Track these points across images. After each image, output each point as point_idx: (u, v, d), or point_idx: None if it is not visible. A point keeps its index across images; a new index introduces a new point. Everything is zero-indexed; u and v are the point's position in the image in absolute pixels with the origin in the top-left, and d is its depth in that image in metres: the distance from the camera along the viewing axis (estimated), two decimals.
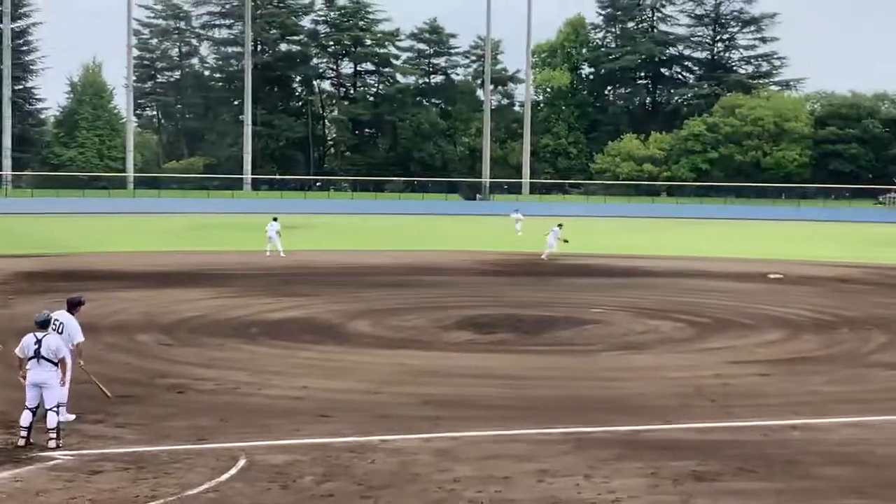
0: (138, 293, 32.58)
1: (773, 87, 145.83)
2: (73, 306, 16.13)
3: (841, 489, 12.82)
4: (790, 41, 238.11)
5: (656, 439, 15.16)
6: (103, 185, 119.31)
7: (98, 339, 22.64)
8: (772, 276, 41.75)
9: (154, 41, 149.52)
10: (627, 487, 12.64)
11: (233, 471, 13.15)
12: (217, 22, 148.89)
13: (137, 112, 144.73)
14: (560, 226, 52.02)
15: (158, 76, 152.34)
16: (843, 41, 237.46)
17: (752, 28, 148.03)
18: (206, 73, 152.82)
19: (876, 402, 17.83)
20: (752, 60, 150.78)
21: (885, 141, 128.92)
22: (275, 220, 49.82)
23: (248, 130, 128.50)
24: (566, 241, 50.22)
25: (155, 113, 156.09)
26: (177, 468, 13.26)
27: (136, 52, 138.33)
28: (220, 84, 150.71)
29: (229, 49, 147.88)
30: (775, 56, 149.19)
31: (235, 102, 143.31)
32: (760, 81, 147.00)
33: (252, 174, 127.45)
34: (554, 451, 14.31)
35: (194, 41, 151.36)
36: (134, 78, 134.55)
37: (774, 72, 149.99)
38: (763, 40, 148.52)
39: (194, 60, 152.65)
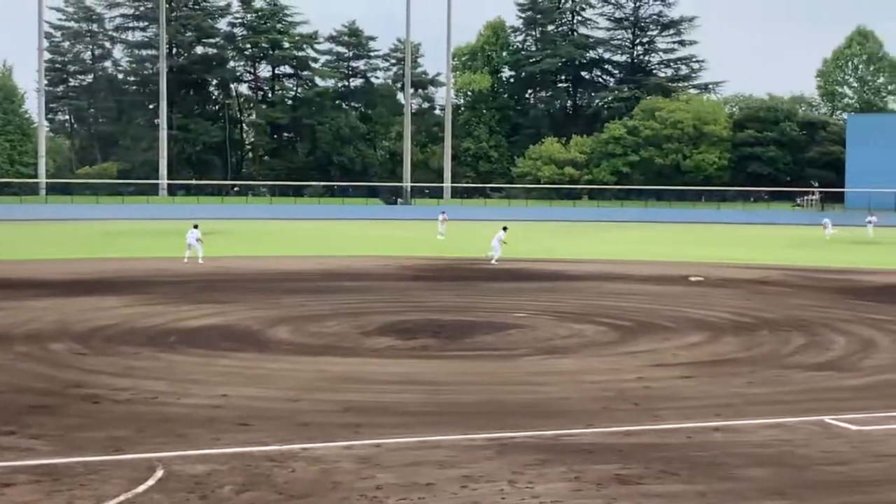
0: (51, 301, 31.94)
1: (693, 91, 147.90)
2: None
3: (762, 490, 12.83)
4: (709, 45, 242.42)
5: (580, 443, 15.09)
6: (14, 192, 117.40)
7: (10, 348, 22.05)
8: (692, 278, 42.11)
9: (66, 44, 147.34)
10: (551, 492, 12.53)
11: (150, 482, 12.82)
12: (131, 24, 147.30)
13: (49, 117, 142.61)
14: (505, 229, 52.14)
15: (71, 80, 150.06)
16: (760, 44, 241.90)
17: (671, 31, 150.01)
18: (120, 76, 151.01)
19: (795, 403, 17.94)
20: (671, 64, 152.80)
21: (802, 143, 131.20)
22: (195, 227, 49.27)
23: (163, 135, 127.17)
24: (505, 242, 50.49)
25: (67, 117, 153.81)
26: (92, 480, 12.90)
27: (47, 56, 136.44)
28: (135, 88, 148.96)
29: (144, 52, 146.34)
30: (694, 59, 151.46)
31: (150, 106, 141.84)
32: (680, 84, 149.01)
33: (168, 179, 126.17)
34: (477, 457, 14.17)
35: (107, 44, 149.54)
36: (45, 82, 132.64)
37: (693, 75, 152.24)
38: (682, 44, 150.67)
39: (108, 64, 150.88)
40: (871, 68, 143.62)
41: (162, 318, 28.34)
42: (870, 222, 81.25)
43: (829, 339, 25.62)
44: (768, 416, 16.84)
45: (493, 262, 49.62)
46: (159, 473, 13.20)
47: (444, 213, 76.17)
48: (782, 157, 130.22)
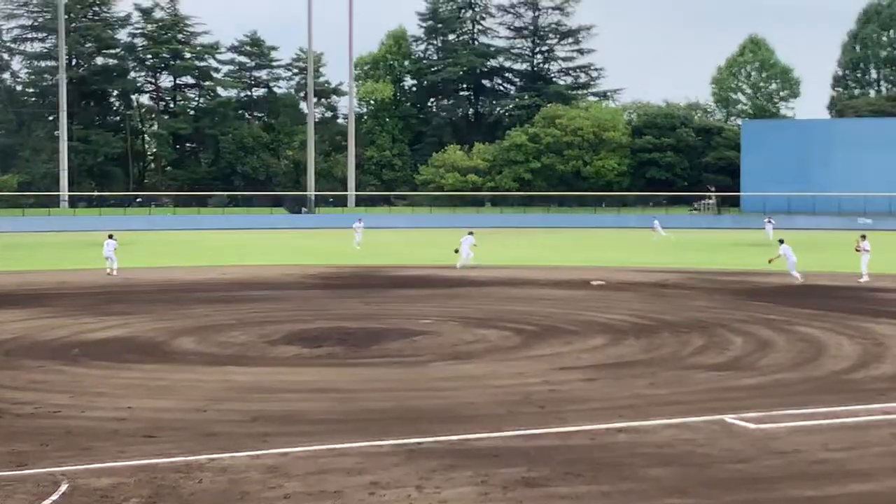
0: None
1: (592, 98, 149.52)
2: None
3: (665, 489, 13.12)
4: (607, 53, 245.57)
5: (486, 447, 15.26)
6: None
7: None
8: (594, 282, 42.63)
9: None
10: (458, 496, 12.69)
11: (55, 496, 12.71)
12: (29, 35, 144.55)
13: None
14: (471, 233, 52.47)
15: None
16: (656, 52, 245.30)
17: (570, 40, 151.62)
18: (19, 87, 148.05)
19: (696, 403, 18.31)
20: (570, 72, 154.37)
21: (699, 149, 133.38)
22: (111, 237, 48.67)
23: (63, 146, 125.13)
24: (475, 245, 50.97)
25: None
26: None
27: None
28: (34, 99, 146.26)
29: (43, 63, 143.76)
30: (593, 67, 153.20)
31: (50, 118, 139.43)
32: (579, 92, 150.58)
33: (69, 191, 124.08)
34: (385, 464, 14.27)
35: (5, 55, 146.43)
36: None
37: (592, 83, 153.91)
38: (580, 52, 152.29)
39: (6, 75, 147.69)
40: (764, 75, 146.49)
41: (64, 331, 27.96)
42: (769, 223, 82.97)
43: (728, 339, 26.15)
44: (670, 417, 17.17)
45: (460, 266, 50.08)
46: (63, 487, 13.09)
47: (360, 220, 75.40)
48: (680, 162, 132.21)
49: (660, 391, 19.60)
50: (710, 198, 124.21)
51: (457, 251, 51.13)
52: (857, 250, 44.38)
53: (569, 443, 15.52)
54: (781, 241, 45.36)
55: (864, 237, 44.93)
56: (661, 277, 45.72)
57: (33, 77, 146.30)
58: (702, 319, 30.18)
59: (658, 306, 33.94)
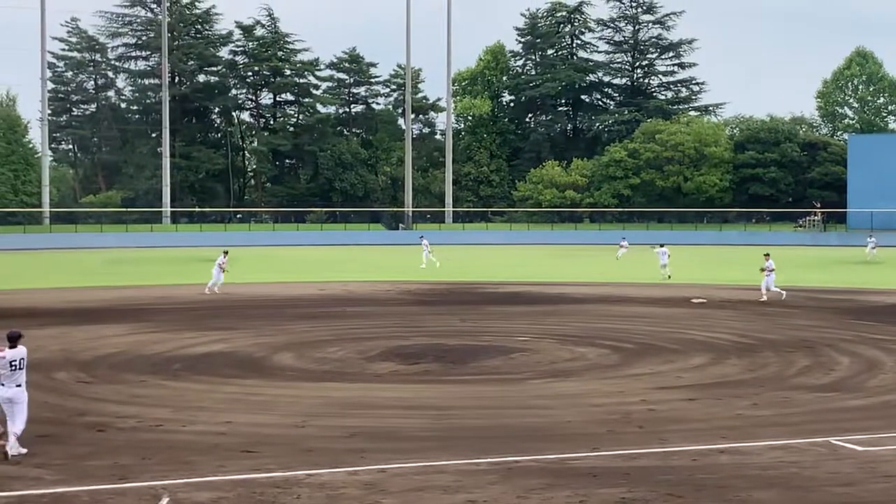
0: (56, 330, 31.92)
1: (693, 113, 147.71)
2: (13, 340, 16.56)
3: None
4: (708, 66, 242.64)
5: (584, 467, 15.07)
6: (18, 221, 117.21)
7: None
8: (695, 300, 42.09)
9: (69, 74, 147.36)
10: None
11: None
12: (133, 54, 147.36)
13: (53, 146, 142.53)
14: (661, 245, 55.61)
15: (74, 109, 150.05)
16: (759, 66, 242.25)
17: (671, 54, 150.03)
18: (123, 105, 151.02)
19: (800, 425, 17.93)
20: (671, 86, 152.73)
21: (804, 164, 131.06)
22: (225, 253, 49.01)
23: (166, 163, 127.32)
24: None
25: (71, 147, 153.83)
26: None
27: (50, 86, 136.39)
28: (138, 116, 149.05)
29: (146, 81, 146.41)
30: (694, 82, 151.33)
31: (153, 135, 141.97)
32: (680, 107, 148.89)
33: (171, 207, 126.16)
34: (482, 482, 14.16)
35: (110, 73, 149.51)
36: (49, 111, 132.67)
37: (693, 97, 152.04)
38: (681, 66, 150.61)
39: (111, 93, 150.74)
40: (871, 89, 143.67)
41: (166, 346, 28.35)
42: (870, 242, 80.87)
43: (834, 359, 25.61)
44: (774, 438, 16.82)
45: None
46: (164, 501, 13.21)
47: (422, 237, 73.19)
48: (783, 178, 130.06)
49: (763, 412, 19.22)
50: (815, 214, 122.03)
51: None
52: None
53: (669, 463, 15.26)
54: (767, 255, 44.31)
55: None
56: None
57: (137, 95, 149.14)
58: (806, 339, 29.60)
59: (760, 325, 33.38)
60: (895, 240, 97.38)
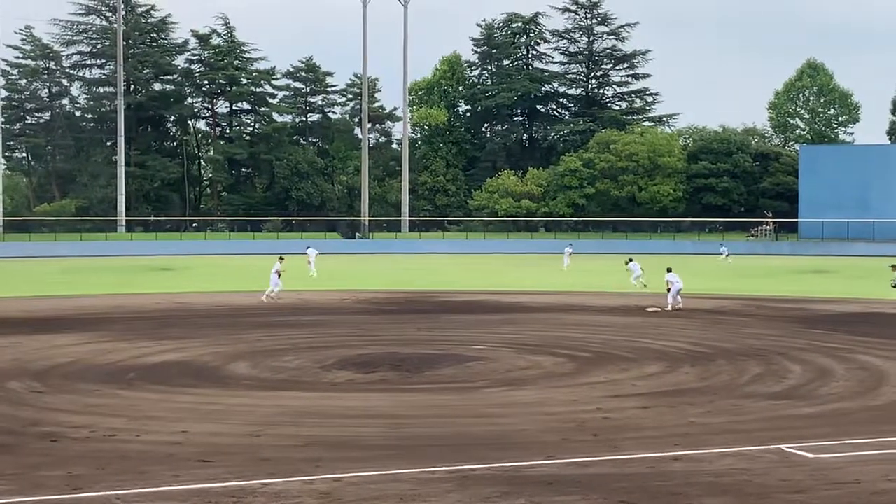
0: (8, 339, 31.66)
1: (647, 123, 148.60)
2: None
3: None
4: (662, 77, 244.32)
5: (539, 475, 15.15)
6: None
7: None
8: (649, 309, 42.36)
9: (23, 82, 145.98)
10: None
11: None
12: (88, 62, 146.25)
13: (6, 154, 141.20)
14: (630, 260, 56.02)
15: (28, 117, 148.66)
16: (712, 77, 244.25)
17: (625, 65, 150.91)
18: (78, 113, 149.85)
19: (753, 433, 18.09)
20: (625, 97, 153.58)
21: (756, 174, 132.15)
22: (280, 259, 48.96)
23: (121, 171, 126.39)
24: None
25: (25, 155, 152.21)
26: None
27: (3, 93, 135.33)
28: (93, 125, 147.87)
29: (101, 89, 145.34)
30: (648, 92, 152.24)
31: (108, 143, 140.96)
32: (634, 117, 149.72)
33: (126, 216, 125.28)
34: (437, 490, 14.20)
35: (65, 81, 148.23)
36: (2, 119, 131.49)
37: (647, 108, 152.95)
38: (636, 77, 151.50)
39: (65, 101, 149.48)
40: (822, 100, 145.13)
41: (120, 355, 28.19)
42: (723, 251, 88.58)
43: (786, 367, 25.87)
44: (727, 445, 16.98)
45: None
46: None
47: (308, 247, 72.14)
48: (736, 188, 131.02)
49: (716, 419, 19.40)
50: (767, 224, 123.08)
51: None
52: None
53: (624, 471, 15.37)
54: (669, 270, 44.63)
55: (893, 267, 44.32)
56: (716, 304, 45.40)
57: (92, 103, 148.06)
58: (759, 347, 29.87)
59: (714, 333, 33.66)
60: (845, 249, 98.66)
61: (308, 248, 71.89)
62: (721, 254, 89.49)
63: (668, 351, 29.04)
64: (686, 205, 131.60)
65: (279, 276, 47.17)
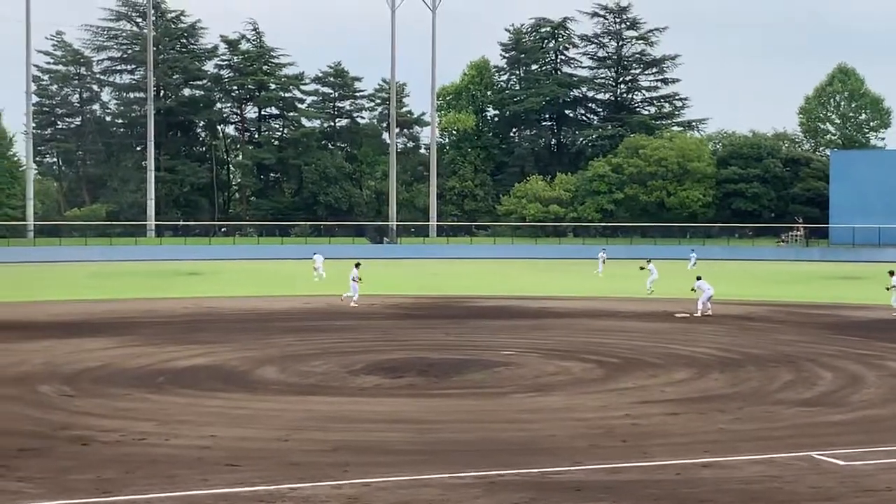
0: (39, 344, 31.84)
1: (676, 128, 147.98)
2: None
3: None
4: (691, 82, 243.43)
5: (567, 481, 15.10)
6: (2, 235, 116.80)
7: None
8: (678, 315, 42.20)
9: (54, 87, 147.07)
10: None
11: None
12: (118, 67, 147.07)
13: (37, 159, 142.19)
14: (649, 261, 56.68)
15: (59, 122, 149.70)
16: (742, 82, 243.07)
17: (654, 70, 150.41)
18: (108, 118, 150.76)
19: (783, 440, 17.99)
20: (654, 102, 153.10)
21: (786, 180, 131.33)
22: (357, 265, 49.17)
23: (151, 176, 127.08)
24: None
25: (55, 160, 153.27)
26: None
27: (35, 99, 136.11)
28: (123, 130, 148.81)
29: (131, 94, 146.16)
30: (677, 97, 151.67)
31: (138, 148, 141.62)
32: (663, 122, 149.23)
33: (155, 220, 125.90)
34: (465, 496, 14.18)
35: (95, 87, 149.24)
36: (34, 125, 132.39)
37: (676, 113, 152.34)
38: (665, 82, 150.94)
39: (96, 106, 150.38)
40: (853, 105, 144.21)
41: (150, 359, 28.30)
42: (692, 257, 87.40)
43: (816, 374, 25.71)
44: (756, 453, 16.88)
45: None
46: None
47: (315, 253, 73.60)
48: (766, 193, 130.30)
49: (746, 426, 19.29)
50: (797, 229, 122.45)
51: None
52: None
53: (653, 477, 15.31)
54: (699, 278, 44.39)
55: (891, 273, 44.05)
56: (746, 310, 45.17)
57: (122, 108, 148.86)
58: (789, 353, 29.70)
59: (743, 340, 33.50)
60: (876, 255, 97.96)
61: (315, 253, 73.08)
62: (689, 259, 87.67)
63: (698, 357, 28.92)
64: (715, 210, 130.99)
65: (357, 281, 47.48)
